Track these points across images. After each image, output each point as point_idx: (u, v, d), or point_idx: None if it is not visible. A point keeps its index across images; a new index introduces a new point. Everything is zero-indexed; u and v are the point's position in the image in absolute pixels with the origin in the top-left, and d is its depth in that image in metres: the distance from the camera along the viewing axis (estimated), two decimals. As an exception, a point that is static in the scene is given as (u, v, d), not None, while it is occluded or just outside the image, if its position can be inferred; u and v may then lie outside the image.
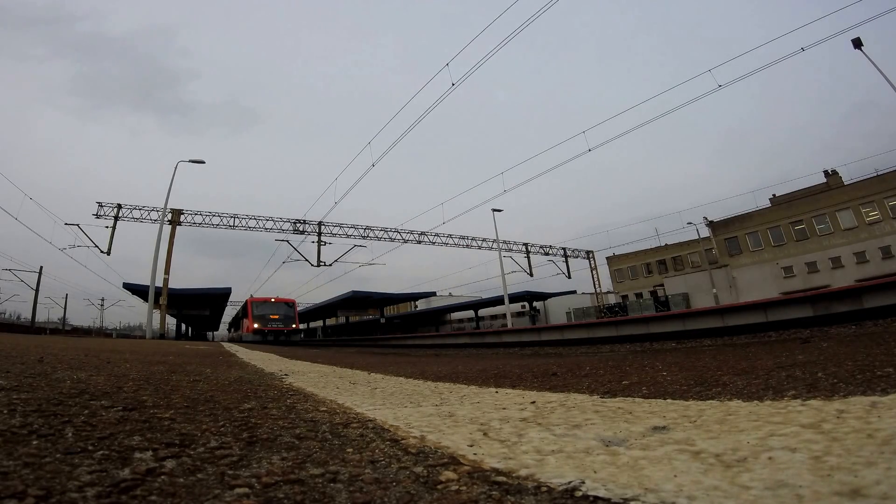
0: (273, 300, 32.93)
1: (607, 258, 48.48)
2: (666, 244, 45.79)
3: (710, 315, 8.75)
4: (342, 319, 50.69)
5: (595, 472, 0.94)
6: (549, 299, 46.90)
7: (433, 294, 48.37)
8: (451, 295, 59.69)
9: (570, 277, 41.36)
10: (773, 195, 37.82)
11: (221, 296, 38.13)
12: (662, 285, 42.53)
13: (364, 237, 32.87)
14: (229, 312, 57.82)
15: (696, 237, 40.11)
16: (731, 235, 37.41)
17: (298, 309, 35.78)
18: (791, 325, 7.07)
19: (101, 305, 65.19)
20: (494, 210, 31.35)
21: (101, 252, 25.64)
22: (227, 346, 14.49)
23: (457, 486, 0.89)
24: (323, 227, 31.18)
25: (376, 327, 44.95)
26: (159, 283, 23.21)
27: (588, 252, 43.02)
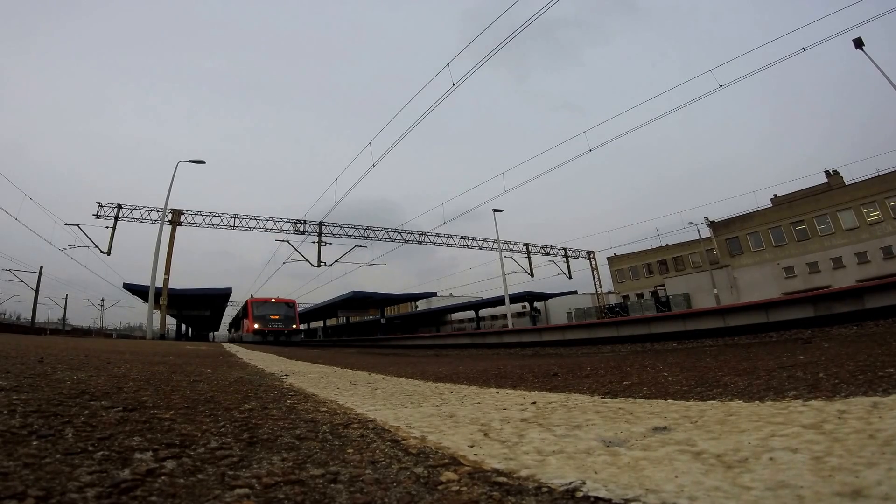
0: (273, 300, 32.91)
1: (608, 258, 48.57)
2: (667, 244, 45.81)
3: (711, 315, 8.74)
4: (342, 320, 50.66)
5: (596, 472, 0.94)
6: (549, 300, 46.85)
7: (434, 294, 48.36)
8: (451, 295, 59.67)
9: (570, 278, 41.37)
10: (775, 195, 37.84)
11: (221, 296, 38.16)
12: (663, 285, 42.48)
13: (364, 237, 32.90)
14: (229, 313, 57.91)
15: (697, 237, 40.13)
16: (732, 236, 37.37)
17: (299, 309, 35.79)
18: (792, 326, 7.06)
19: (102, 306, 65.33)
20: (495, 210, 31.40)
21: (102, 252, 25.71)
22: (228, 346, 14.49)
23: (457, 487, 0.89)
24: (323, 227, 31.21)
25: (377, 327, 44.91)
26: (159, 284, 23.23)
27: (589, 252, 43.01)
